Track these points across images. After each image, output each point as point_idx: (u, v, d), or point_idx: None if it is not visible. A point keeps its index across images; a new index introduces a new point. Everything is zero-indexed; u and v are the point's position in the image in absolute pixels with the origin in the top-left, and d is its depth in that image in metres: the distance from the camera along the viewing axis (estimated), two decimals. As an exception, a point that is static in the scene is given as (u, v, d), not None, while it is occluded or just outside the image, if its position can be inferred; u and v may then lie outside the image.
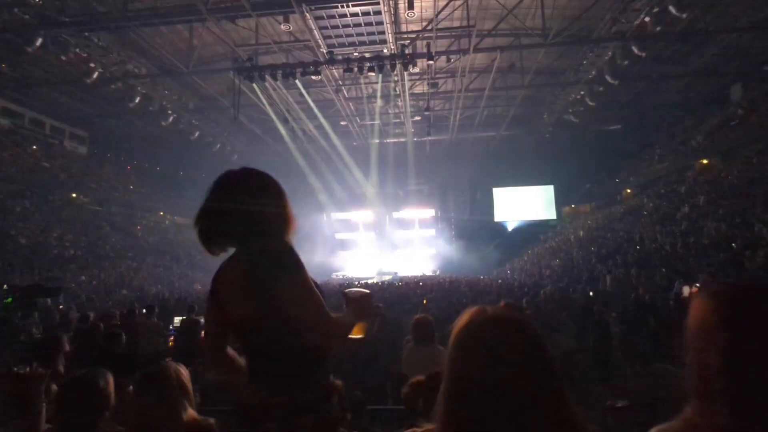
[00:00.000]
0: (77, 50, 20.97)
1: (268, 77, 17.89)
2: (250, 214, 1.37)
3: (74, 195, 27.80)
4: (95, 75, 22.32)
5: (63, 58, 20.88)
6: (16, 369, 1.99)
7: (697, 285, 9.86)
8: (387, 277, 30.18)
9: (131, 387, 2.16)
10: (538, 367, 0.79)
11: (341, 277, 30.58)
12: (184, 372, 1.67)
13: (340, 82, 23.45)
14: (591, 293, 11.46)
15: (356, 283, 22.48)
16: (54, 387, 2.08)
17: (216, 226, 1.40)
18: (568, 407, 0.79)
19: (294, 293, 1.29)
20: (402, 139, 29.41)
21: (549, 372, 0.79)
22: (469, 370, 0.80)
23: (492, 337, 0.81)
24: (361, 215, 35.80)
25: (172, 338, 8.84)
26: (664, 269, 12.20)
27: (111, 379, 1.75)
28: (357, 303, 1.48)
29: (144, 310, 7.09)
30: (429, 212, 36.47)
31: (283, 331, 1.28)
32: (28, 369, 1.90)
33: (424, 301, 10.55)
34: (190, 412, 1.59)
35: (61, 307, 12.37)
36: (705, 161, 22.48)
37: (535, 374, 0.78)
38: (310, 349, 1.31)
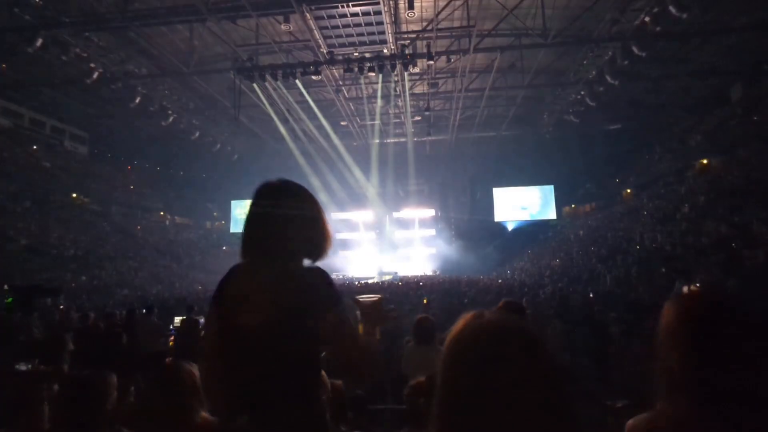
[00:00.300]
0: (77, 50, 20.99)
1: (268, 77, 17.89)
2: (298, 229, 1.36)
3: (74, 195, 27.82)
4: (95, 75, 22.33)
5: (63, 58, 20.89)
6: (17, 368, 2.00)
7: (698, 285, 9.87)
8: (387, 277, 30.20)
9: (132, 387, 2.17)
10: (540, 382, 0.72)
11: (341, 277, 30.58)
12: (197, 372, 1.65)
13: (341, 82, 23.46)
14: (591, 293, 11.47)
15: (356, 283, 22.49)
16: (56, 386, 2.08)
17: (270, 237, 1.37)
18: (573, 428, 0.74)
19: (330, 324, 1.27)
20: (402, 139, 29.42)
21: (553, 389, 0.72)
22: (462, 382, 0.74)
23: (488, 347, 0.74)
24: (362, 215, 35.82)
25: (172, 338, 8.87)
26: (664, 269, 12.20)
27: (113, 379, 1.75)
28: (370, 309, 1.48)
29: (144, 310, 7.09)
30: (429, 212, 36.47)
31: (296, 353, 1.26)
32: (30, 367, 1.91)
33: (425, 300, 10.56)
34: (203, 414, 1.58)
35: (61, 307, 12.38)
36: (705, 161, 22.49)
37: (537, 390, 0.71)
38: (311, 368, 1.31)
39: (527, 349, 0.74)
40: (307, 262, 1.41)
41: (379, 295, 1.51)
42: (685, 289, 9.94)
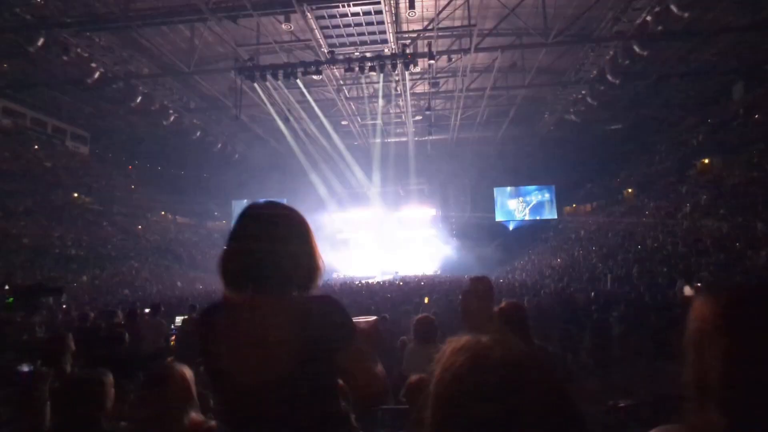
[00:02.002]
0: (79, 50, 21.02)
1: (269, 77, 17.90)
2: (282, 258, 1.18)
3: (76, 195, 27.85)
4: (97, 75, 22.35)
5: (64, 58, 20.92)
6: (19, 368, 2.00)
7: (699, 284, 9.85)
8: (388, 277, 30.21)
9: (132, 387, 2.17)
10: (555, 422, 0.58)
11: (342, 276, 30.59)
12: (189, 374, 1.65)
13: (341, 82, 23.46)
14: (592, 293, 11.46)
15: (356, 283, 22.50)
16: (57, 386, 2.08)
17: (246, 267, 1.17)
18: None
19: (349, 359, 1.12)
20: (403, 139, 29.42)
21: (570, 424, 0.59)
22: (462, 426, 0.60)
23: (496, 390, 0.58)
24: (363, 215, 35.83)
25: (173, 337, 8.87)
26: (665, 269, 12.18)
27: (110, 379, 1.75)
28: (366, 333, 1.38)
29: (147, 310, 7.10)
30: (430, 212, 36.48)
31: (317, 390, 1.11)
32: (32, 367, 1.91)
33: (426, 299, 10.54)
34: (193, 416, 1.58)
35: (64, 306, 12.40)
36: (706, 160, 22.44)
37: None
38: (333, 405, 1.15)
39: (547, 391, 0.60)
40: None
41: (374, 317, 1.45)
42: (687, 289, 9.92)
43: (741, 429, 0.70)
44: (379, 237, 35.70)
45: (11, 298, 7.62)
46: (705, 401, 0.75)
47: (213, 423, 1.66)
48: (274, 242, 1.18)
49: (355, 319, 1.38)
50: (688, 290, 9.95)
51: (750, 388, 0.70)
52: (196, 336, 1.21)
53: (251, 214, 1.26)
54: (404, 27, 19.97)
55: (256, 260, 1.16)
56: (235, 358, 1.11)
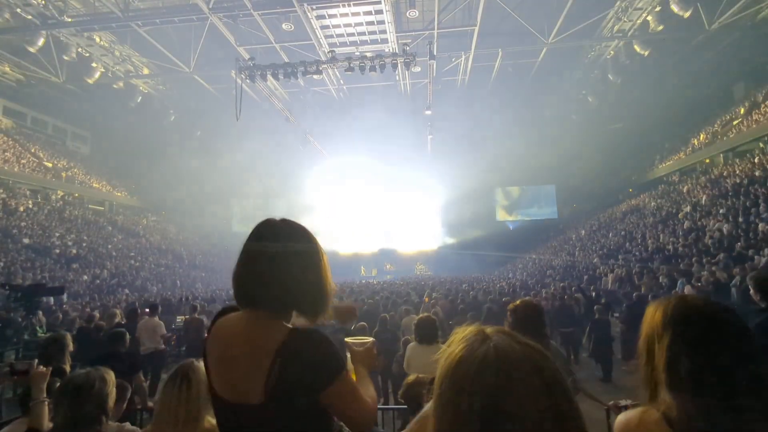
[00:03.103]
0: (79, 50, 21.06)
1: (269, 76, 17.89)
2: (297, 281, 1.14)
3: (77, 195, 27.89)
4: (97, 74, 22.41)
5: (65, 57, 20.98)
6: (12, 363, 2.00)
7: (699, 284, 9.84)
8: (389, 277, 30.24)
9: (133, 385, 2.16)
10: (555, 415, 0.60)
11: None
12: None
13: (342, 82, 23.48)
14: (593, 293, 11.44)
15: (357, 282, 22.48)
16: (57, 385, 2.07)
17: (246, 286, 1.15)
18: None
19: (335, 395, 1.07)
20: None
21: (569, 420, 0.61)
22: (461, 421, 0.62)
23: (494, 382, 0.61)
24: (363, 212, 35.88)
25: (174, 337, 8.87)
26: (666, 268, 12.16)
27: (112, 378, 1.74)
28: (362, 355, 1.36)
29: (147, 309, 7.09)
30: (431, 210, 36.55)
31: (294, 423, 1.07)
32: (29, 365, 1.90)
33: (426, 299, 10.53)
34: (209, 419, 1.54)
35: (64, 306, 12.41)
36: (707, 160, 22.41)
37: (551, 421, 0.59)
38: None
39: (543, 379, 0.62)
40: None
41: (371, 339, 1.41)
42: (687, 289, 9.90)
43: (681, 402, 0.91)
44: (381, 236, 35.70)
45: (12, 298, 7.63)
46: (657, 387, 0.98)
47: None
48: (275, 263, 1.14)
49: (350, 341, 1.38)
50: (688, 290, 9.94)
51: (685, 374, 0.92)
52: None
53: (262, 232, 1.20)
54: (405, 27, 19.98)
55: (256, 281, 1.14)
56: (218, 372, 1.11)
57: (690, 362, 0.92)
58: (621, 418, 1.03)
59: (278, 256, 1.14)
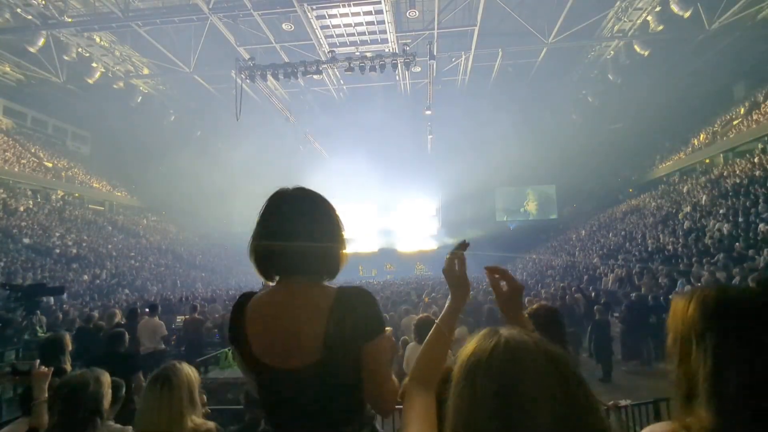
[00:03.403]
0: (79, 50, 21.07)
1: (269, 76, 17.90)
2: (311, 244, 1.17)
3: (77, 195, 27.89)
4: (97, 74, 22.42)
5: (65, 57, 20.99)
6: (14, 363, 2.00)
7: (699, 284, 9.85)
8: (389, 277, 30.22)
9: (133, 385, 2.17)
10: (566, 401, 0.60)
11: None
12: (194, 375, 1.65)
13: (342, 82, 23.48)
14: (593, 293, 11.44)
15: (356, 282, 22.50)
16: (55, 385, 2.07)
17: (274, 253, 1.17)
18: None
19: (373, 352, 1.12)
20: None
21: (580, 406, 0.61)
22: (481, 407, 0.63)
23: (509, 367, 0.62)
24: (363, 212, 35.84)
25: (174, 337, 8.88)
26: (666, 269, 12.17)
27: (107, 379, 1.74)
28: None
29: (147, 309, 7.10)
30: (431, 211, 36.55)
31: (344, 377, 1.12)
32: (31, 366, 1.90)
33: (425, 299, 10.53)
34: (194, 418, 1.57)
35: (64, 306, 12.41)
36: (707, 160, 22.41)
37: (563, 409, 0.60)
38: (358, 392, 1.15)
39: (553, 364, 0.63)
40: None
41: (389, 328, 1.38)
42: (688, 289, 9.92)
43: (728, 426, 0.71)
44: (380, 236, 35.71)
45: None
46: (693, 399, 0.77)
47: (211, 425, 1.65)
48: (303, 229, 1.18)
49: None
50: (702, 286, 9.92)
51: (737, 384, 0.71)
52: (230, 321, 1.20)
53: (280, 199, 1.23)
54: (405, 27, 19.98)
55: (284, 247, 1.16)
56: (266, 344, 1.13)
57: (745, 372, 0.71)
58: None
59: (299, 221, 1.18)
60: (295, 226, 1.17)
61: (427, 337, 1.08)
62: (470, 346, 0.69)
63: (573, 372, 0.64)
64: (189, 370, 1.64)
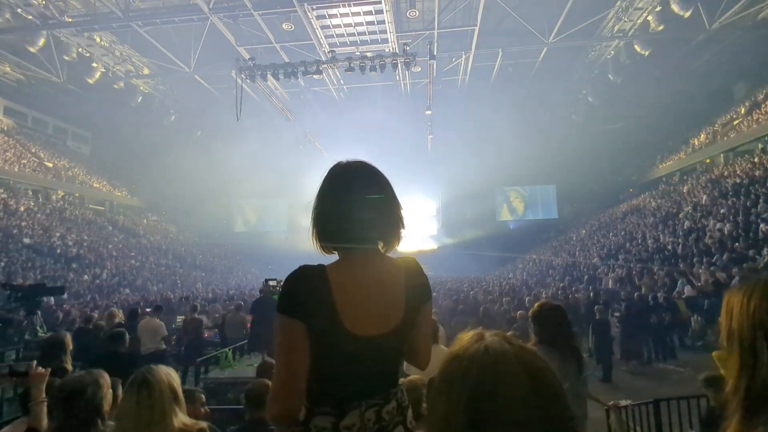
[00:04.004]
0: (79, 50, 21.08)
1: (269, 76, 17.90)
2: (377, 216, 1.20)
3: (77, 194, 27.90)
4: (97, 74, 22.43)
5: (65, 57, 21.01)
6: (12, 365, 2.00)
7: (699, 284, 9.84)
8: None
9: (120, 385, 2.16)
10: (545, 411, 0.59)
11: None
12: (174, 376, 1.63)
13: (342, 81, 23.47)
14: (591, 293, 11.44)
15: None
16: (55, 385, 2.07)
17: (344, 226, 1.19)
18: None
19: (428, 312, 1.27)
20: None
21: (558, 418, 0.60)
22: (451, 425, 0.62)
23: (488, 374, 0.61)
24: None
25: (174, 337, 8.87)
26: (666, 269, 12.17)
27: (107, 381, 1.73)
28: None
29: (147, 310, 7.10)
30: (431, 211, 36.55)
31: (407, 340, 1.22)
32: (28, 367, 1.90)
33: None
34: (181, 417, 1.55)
35: (65, 306, 12.42)
36: (708, 160, 22.40)
37: (541, 418, 0.59)
38: (397, 369, 1.25)
39: (530, 376, 0.61)
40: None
41: None
42: (687, 289, 9.90)
43: None
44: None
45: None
46: (756, 411, 0.67)
47: (203, 425, 1.63)
48: (368, 201, 1.20)
49: None
50: (688, 290, 9.94)
51: None
52: (298, 294, 1.14)
53: (342, 173, 1.25)
54: (405, 27, 19.97)
55: (352, 219, 1.19)
56: (354, 313, 1.14)
57: None
58: None
59: (363, 193, 1.21)
60: (366, 196, 1.20)
61: None
62: (454, 349, 0.67)
63: (551, 384, 0.61)
64: (167, 371, 1.61)
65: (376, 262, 1.22)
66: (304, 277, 1.17)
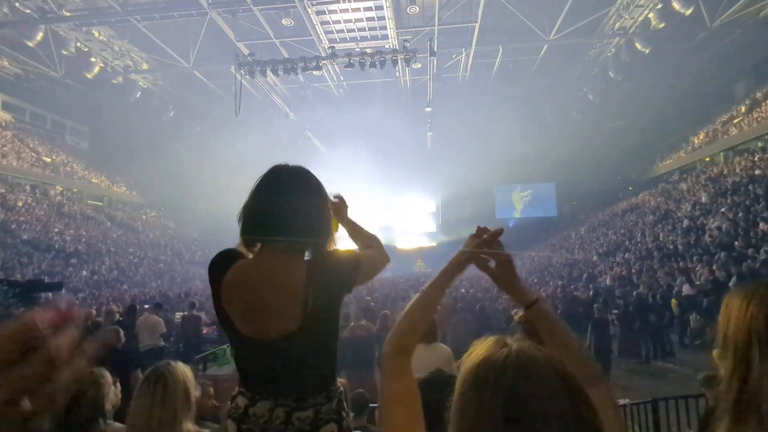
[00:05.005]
0: (78, 44, 20.95)
1: (269, 72, 17.82)
2: (296, 218, 1.21)
3: (75, 190, 27.83)
4: (96, 69, 22.30)
5: (64, 52, 20.87)
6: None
7: (698, 283, 9.84)
8: (388, 274, 30.23)
9: (132, 382, 2.14)
10: (575, 421, 0.58)
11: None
12: (190, 376, 1.56)
13: (342, 78, 23.38)
14: (591, 291, 11.44)
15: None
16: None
17: (260, 224, 1.22)
18: None
19: (366, 274, 1.29)
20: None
21: (588, 426, 0.58)
22: (486, 420, 0.60)
23: (519, 382, 0.60)
24: (363, 208, 35.88)
25: (172, 333, 8.86)
26: (665, 267, 12.17)
27: (109, 379, 1.71)
28: (340, 207, 1.55)
29: (146, 306, 7.09)
30: (430, 208, 36.53)
31: (320, 344, 1.19)
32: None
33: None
34: (188, 424, 1.47)
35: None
36: (708, 158, 22.40)
37: (571, 427, 0.57)
38: (332, 361, 1.23)
39: (562, 379, 0.60)
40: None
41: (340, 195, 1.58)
42: (686, 288, 9.90)
43: None
44: (379, 232, 35.72)
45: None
46: (749, 412, 0.68)
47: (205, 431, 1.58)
48: (291, 199, 1.22)
49: (334, 196, 1.52)
50: (687, 289, 9.94)
51: None
52: (210, 280, 1.22)
53: (273, 174, 1.28)
54: (405, 23, 19.88)
55: (271, 218, 1.21)
56: (243, 314, 1.16)
57: None
58: None
59: (287, 195, 1.22)
60: (284, 196, 1.22)
61: (412, 301, 1.03)
62: (478, 355, 0.66)
63: (582, 391, 0.61)
64: (185, 370, 1.55)
65: (276, 263, 1.19)
66: (213, 264, 1.24)
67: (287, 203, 1.21)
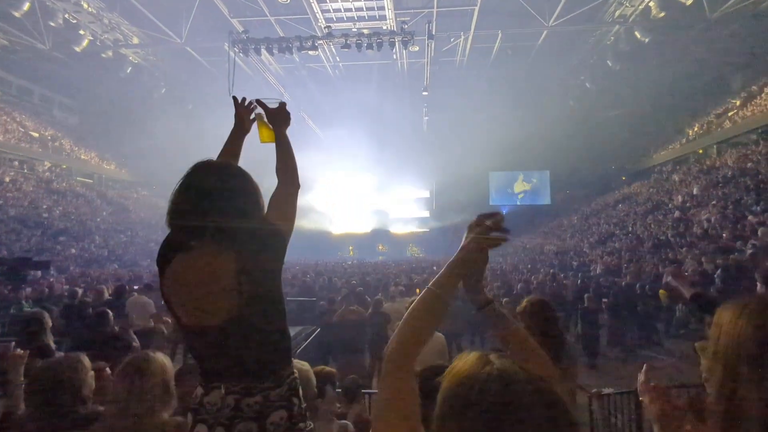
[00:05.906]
0: (66, 16, 20.29)
1: (263, 51, 17.45)
2: (224, 212, 1.21)
3: (64, 166, 27.36)
4: (85, 42, 21.67)
5: (51, 24, 20.22)
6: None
7: (686, 273, 9.96)
8: (381, 258, 30.40)
9: (107, 370, 2.10)
10: None
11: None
12: (169, 367, 1.54)
13: (338, 59, 22.99)
14: (579, 281, 11.55)
15: (348, 263, 22.55)
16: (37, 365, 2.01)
17: (189, 218, 1.22)
18: None
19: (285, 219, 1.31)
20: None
21: None
22: None
23: (499, 397, 0.59)
24: (356, 191, 35.73)
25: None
26: (654, 257, 12.32)
27: (87, 364, 1.67)
28: (276, 114, 1.57)
29: (135, 287, 7.03)
30: (424, 193, 36.53)
31: (261, 331, 1.20)
32: (5, 348, 1.84)
33: (417, 290, 10.56)
34: (163, 416, 1.45)
35: (52, 280, 12.28)
36: (701, 150, 22.51)
37: None
38: (280, 346, 1.25)
39: (543, 401, 0.60)
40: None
41: (283, 102, 1.57)
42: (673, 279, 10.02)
43: None
44: (373, 216, 35.74)
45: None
46: (735, 426, 0.70)
47: (180, 419, 1.53)
48: (219, 197, 1.22)
49: (265, 100, 1.60)
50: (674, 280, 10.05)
51: None
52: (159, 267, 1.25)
53: (200, 169, 1.27)
54: (403, 3, 19.47)
55: (199, 213, 1.20)
56: (179, 304, 1.20)
57: None
58: None
59: (215, 190, 1.23)
60: (207, 194, 1.22)
61: (416, 301, 0.92)
62: (461, 372, 0.65)
63: (564, 411, 0.60)
64: (163, 361, 1.53)
65: (208, 258, 1.20)
66: (158, 256, 1.28)
67: (210, 203, 1.21)
